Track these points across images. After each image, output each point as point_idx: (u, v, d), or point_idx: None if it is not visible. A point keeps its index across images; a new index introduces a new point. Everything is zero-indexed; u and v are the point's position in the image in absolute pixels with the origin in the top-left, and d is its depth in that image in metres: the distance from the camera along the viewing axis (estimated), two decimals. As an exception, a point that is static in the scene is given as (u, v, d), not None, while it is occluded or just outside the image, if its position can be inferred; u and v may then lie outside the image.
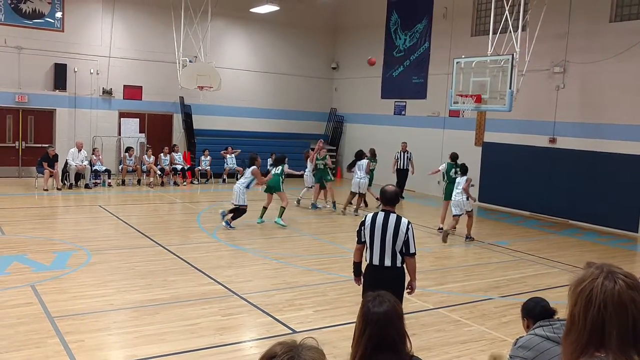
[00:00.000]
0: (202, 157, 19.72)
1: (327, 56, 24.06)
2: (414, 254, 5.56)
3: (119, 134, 20.01)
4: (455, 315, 7.32)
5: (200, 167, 19.64)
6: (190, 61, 18.95)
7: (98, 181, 17.54)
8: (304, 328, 6.61)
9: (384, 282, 5.62)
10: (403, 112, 20.80)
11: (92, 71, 19.39)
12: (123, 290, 7.71)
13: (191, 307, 7.14)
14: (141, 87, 20.33)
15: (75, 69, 19.08)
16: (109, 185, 17.66)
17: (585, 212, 14.77)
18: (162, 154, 18.87)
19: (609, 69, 14.33)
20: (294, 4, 21.64)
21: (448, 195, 13.05)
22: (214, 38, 19.84)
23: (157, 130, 20.73)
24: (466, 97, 14.57)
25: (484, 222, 14.04)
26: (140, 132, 20.30)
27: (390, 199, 5.67)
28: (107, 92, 19.69)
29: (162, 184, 18.47)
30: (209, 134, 21.11)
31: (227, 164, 20.04)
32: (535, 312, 3.43)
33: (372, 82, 21.87)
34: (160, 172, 18.48)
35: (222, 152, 20.07)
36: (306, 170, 15.63)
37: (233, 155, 20.14)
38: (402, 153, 17.68)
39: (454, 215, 12.17)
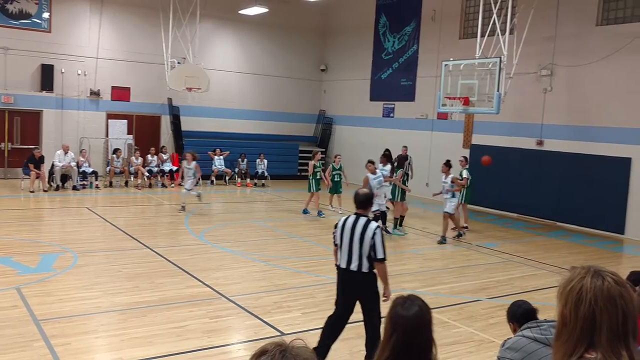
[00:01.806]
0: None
1: (316, 58, 24.07)
2: (383, 259, 5.38)
3: (107, 135, 19.88)
4: (443, 317, 7.33)
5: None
6: (178, 63, 18.91)
7: (85, 183, 17.41)
8: (292, 330, 6.60)
9: (351, 287, 5.52)
10: (392, 114, 20.85)
11: (79, 72, 19.26)
12: (110, 293, 7.65)
13: (179, 310, 7.10)
14: (129, 88, 20.23)
15: (63, 70, 18.94)
16: (97, 187, 17.54)
17: (573, 214, 14.88)
18: (149, 155, 18.78)
19: (595, 72, 14.46)
20: (282, 6, 21.64)
21: (467, 199, 13.72)
22: (202, 39, 19.80)
23: (145, 131, 20.63)
24: (454, 99, 14.64)
25: (472, 224, 14.11)
26: (128, 133, 20.19)
27: (361, 202, 5.58)
28: (95, 94, 19.57)
29: (150, 185, 18.37)
30: (197, 135, 21.04)
31: (215, 166, 19.98)
32: (518, 314, 3.47)
33: (361, 84, 21.92)
34: (148, 174, 18.38)
35: (209, 152, 20.03)
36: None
37: (221, 157, 20.10)
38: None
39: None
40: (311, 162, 15.07)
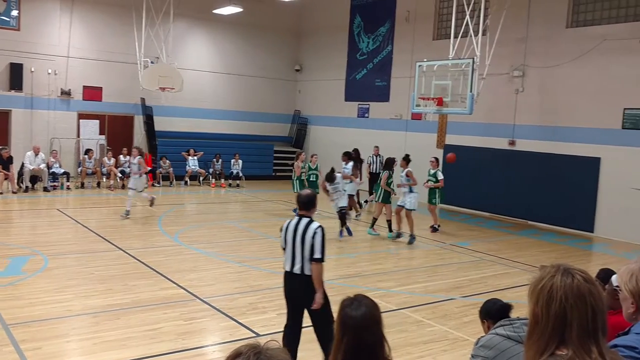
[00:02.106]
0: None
1: (291, 58, 24.05)
2: (319, 259, 5.24)
3: (78, 135, 19.58)
4: (417, 316, 7.39)
5: (161, 170, 19.38)
6: (151, 62, 18.70)
7: (56, 184, 17.11)
8: (267, 331, 6.58)
9: (295, 291, 5.42)
10: (366, 115, 20.94)
11: (49, 71, 18.92)
12: (82, 296, 7.54)
13: (153, 312, 7.02)
14: (101, 88, 19.94)
15: (32, 69, 18.58)
16: (68, 188, 17.25)
17: (544, 213, 15.12)
18: (121, 155, 18.54)
19: (566, 73, 14.72)
20: (257, 5, 21.57)
21: (441, 199, 13.93)
22: (176, 39, 19.62)
23: (117, 132, 20.35)
24: (428, 100, 14.76)
25: (445, 223, 14.24)
26: (100, 134, 19.91)
27: (304, 204, 5.49)
28: (66, 93, 19.24)
29: (123, 186, 18.12)
30: (170, 135, 20.85)
31: (188, 166, 19.83)
32: (493, 310, 3.50)
33: (336, 85, 21.97)
34: (120, 175, 18.15)
35: (183, 152, 19.90)
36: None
37: (195, 157, 19.95)
38: (374, 157, 17.25)
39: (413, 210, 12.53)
40: (296, 163, 15.03)
